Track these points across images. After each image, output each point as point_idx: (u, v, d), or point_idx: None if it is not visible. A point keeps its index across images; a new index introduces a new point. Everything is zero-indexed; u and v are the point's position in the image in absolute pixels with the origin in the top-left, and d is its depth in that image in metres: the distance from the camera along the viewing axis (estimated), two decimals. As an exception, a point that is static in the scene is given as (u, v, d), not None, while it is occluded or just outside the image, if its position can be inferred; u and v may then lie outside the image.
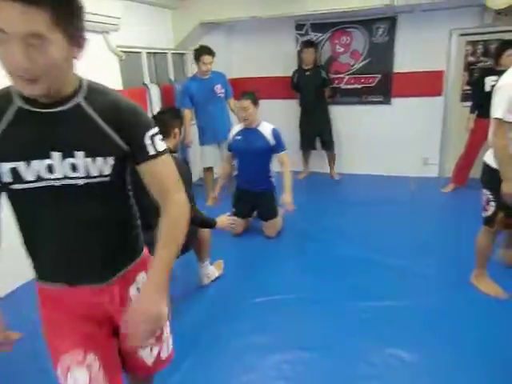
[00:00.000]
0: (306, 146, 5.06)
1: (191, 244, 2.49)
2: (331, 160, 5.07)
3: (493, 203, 2.31)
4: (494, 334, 2.14)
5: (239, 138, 3.43)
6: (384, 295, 2.52)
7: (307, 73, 4.79)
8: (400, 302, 2.44)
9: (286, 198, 3.27)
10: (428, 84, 4.72)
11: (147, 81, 4.20)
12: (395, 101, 4.92)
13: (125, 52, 3.77)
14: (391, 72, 4.84)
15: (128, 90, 3.79)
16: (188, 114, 4.10)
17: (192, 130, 4.26)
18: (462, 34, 4.55)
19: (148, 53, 4.25)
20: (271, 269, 2.94)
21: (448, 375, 1.87)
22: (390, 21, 4.69)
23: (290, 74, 4.96)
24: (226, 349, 2.11)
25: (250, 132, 3.38)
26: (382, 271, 2.80)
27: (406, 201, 4.19)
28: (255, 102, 3.34)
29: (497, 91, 2.14)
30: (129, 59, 3.90)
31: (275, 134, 3.35)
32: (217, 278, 2.77)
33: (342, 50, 4.96)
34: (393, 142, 4.97)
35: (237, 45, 5.31)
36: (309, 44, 4.76)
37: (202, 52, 3.95)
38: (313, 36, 5.02)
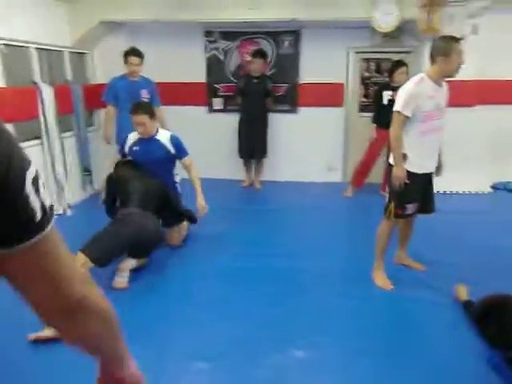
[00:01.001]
0: (247, 154, 5.05)
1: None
2: (259, 169, 5.18)
3: (388, 196, 2.66)
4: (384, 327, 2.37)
5: (137, 148, 3.26)
6: (283, 298, 2.61)
7: (255, 80, 4.84)
8: (297, 304, 2.53)
9: (200, 202, 3.25)
10: (330, 95, 5.12)
11: (38, 79, 3.81)
12: (302, 110, 5.22)
13: (6, 45, 3.40)
14: (297, 82, 5.14)
15: (13, 89, 3.41)
16: (110, 110, 4.27)
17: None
18: (357, 52, 5.04)
19: (39, 49, 3.87)
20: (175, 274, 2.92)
21: (342, 371, 1.97)
22: (294, 34, 5.00)
23: (198, 80, 4.97)
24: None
25: (148, 142, 3.23)
26: (285, 274, 2.91)
27: (311, 206, 4.45)
28: (151, 115, 3.18)
29: (400, 91, 2.53)
30: (14, 54, 3.51)
31: (174, 141, 3.27)
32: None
33: (250, 58, 5.11)
34: (300, 149, 5.26)
35: (142, 48, 5.11)
36: (258, 54, 4.83)
37: (129, 52, 4.13)
38: (222, 44, 5.10)
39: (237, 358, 2.04)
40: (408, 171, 2.56)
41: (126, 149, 3.32)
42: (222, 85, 5.22)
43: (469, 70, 4.73)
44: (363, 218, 3.96)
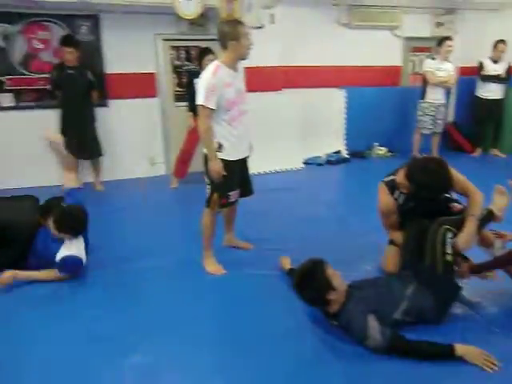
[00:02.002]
0: (74, 154, 4.39)
1: None
2: (96, 169, 4.69)
3: (208, 186, 2.65)
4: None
5: None
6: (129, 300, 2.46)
7: (70, 71, 4.27)
8: (131, 306, 2.40)
9: None
10: (142, 86, 4.89)
11: None
12: (113, 103, 4.85)
13: None
14: (103, 73, 4.73)
15: None
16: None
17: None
18: (166, 39, 4.93)
19: None
20: None
21: (185, 370, 1.91)
22: (92, 19, 4.56)
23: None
24: None
25: None
26: (127, 274, 2.74)
27: (139, 202, 4.21)
28: None
29: (200, 83, 2.49)
30: None
31: None
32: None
33: (41, 46, 4.48)
34: (118, 145, 4.90)
35: None
36: (68, 42, 4.24)
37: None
38: None
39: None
40: (226, 160, 2.56)
41: None
42: (9, 77, 4.44)
43: (274, 57, 5.22)
44: (193, 208, 3.93)
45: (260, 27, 4.91)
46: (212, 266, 2.78)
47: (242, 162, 2.75)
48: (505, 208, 2.37)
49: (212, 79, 2.43)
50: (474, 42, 5.92)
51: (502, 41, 5.54)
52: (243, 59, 2.57)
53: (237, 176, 2.68)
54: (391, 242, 2.64)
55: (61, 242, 2.65)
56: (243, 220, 3.18)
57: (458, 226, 2.18)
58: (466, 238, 2.15)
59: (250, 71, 5.05)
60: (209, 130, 2.51)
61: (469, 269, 2.24)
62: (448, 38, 5.24)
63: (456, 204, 2.46)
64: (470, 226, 2.17)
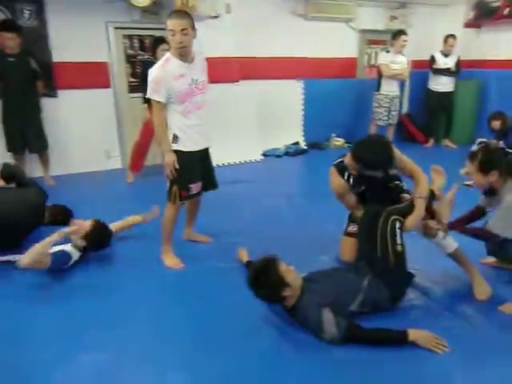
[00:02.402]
0: (18, 147, 4.26)
1: None
2: (45, 162, 4.46)
3: (169, 180, 2.59)
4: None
5: None
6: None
7: (11, 59, 4.00)
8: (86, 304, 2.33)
9: None
10: (95, 76, 4.70)
11: None
12: (63, 93, 4.62)
13: None
14: (50, 61, 4.48)
15: None
16: None
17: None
18: (118, 28, 4.74)
19: None
20: None
21: (146, 366, 1.88)
22: (36, 3, 4.30)
23: None
24: None
25: None
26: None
27: (92, 197, 4.06)
28: None
29: (149, 76, 2.41)
30: None
31: None
32: None
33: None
34: (71, 137, 4.70)
35: None
36: (8, 27, 3.96)
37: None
38: None
39: None
40: (183, 152, 2.51)
41: None
42: None
43: (230, 48, 5.17)
44: (149, 202, 3.83)
45: (216, 16, 4.84)
46: (171, 260, 2.74)
47: (203, 154, 2.70)
48: (443, 186, 2.51)
49: (159, 72, 2.38)
50: (426, 36, 6.13)
51: (452, 35, 5.77)
52: (179, 54, 2.40)
53: (197, 168, 2.62)
54: (347, 234, 2.69)
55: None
56: (202, 213, 3.14)
57: (407, 213, 2.24)
58: (414, 219, 2.22)
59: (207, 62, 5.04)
60: (161, 124, 2.45)
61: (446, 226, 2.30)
62: (403, 33, 5.39)
63: (407, 195, 2.53)
64: (420, 208, 2.23)
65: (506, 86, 5.81)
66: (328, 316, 1.91)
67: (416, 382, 1.78)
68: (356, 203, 2.56)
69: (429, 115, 6.21)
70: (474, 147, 2.63)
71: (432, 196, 2.40)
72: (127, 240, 3.11)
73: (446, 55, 5.86)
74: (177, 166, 2.51)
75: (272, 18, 5.45)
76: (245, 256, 2.66)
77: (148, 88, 2.41)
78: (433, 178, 2.56)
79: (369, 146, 2.30)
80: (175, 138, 2.50)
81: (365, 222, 2.33)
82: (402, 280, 2.21)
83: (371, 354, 1.88)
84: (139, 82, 4.65)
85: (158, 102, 2.40)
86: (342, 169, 2.50)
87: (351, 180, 2.48)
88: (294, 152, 5.64)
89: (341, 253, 2.73)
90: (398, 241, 2.16)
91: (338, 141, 6.10)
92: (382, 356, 1.87)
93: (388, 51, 5.50)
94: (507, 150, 4.40)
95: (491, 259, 2.60)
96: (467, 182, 4.30)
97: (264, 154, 5.58)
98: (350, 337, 1.90)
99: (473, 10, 6.21)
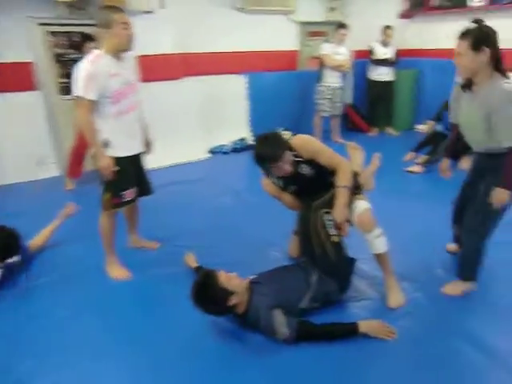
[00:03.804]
0: None
1: None
2: None
3: (102, 186, 2.49)
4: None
5: None
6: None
7: None
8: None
9: None
10: (19, 77, 4.40)
11: None
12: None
13: None
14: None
15: None
16: None
17: None
18: (42, 24, 4.46)
19: None
20: None
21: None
22: None
23: None
24: None
25: None
26: None
27: (28, 209, 3.82)
28: None
29: (76, 72, 2.30)
30: None
31: None
32: None
33: None
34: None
35: None
36: None
37: None
38: None
39: None
40: (116, 157, 2.41)
41: None
42: None
43: (169, 44, 5.04)
44: (91, 210, 3.67)
45: (150, 12, 4.70)
46: (116, 271, 2.65)
47: (136, 159, 2.61)
48: (362, 161, 2.58)
49: (91, 67, 2.25)
50: (364, 26, 6.31)
51: (389, 26, 6.00)
52: (124, 50, 2.38)
53: (130, 174, 2.53)
54: (295, 232, 2.71)
55: None
56: (147, 218, 3.06)
57: (333, 203, 2.23)
58: (338, 209, 2.20)
59: (143, 60, 4.88)
60: (90, 124, 2.32)
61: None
62: (341, 26, 5.52)
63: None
64: (341, 198, 2.22)
65: (439, 74, 6.14)
66: (279, 317, 1.92)
67: (372, 375, 1.84)
68: (295, 202, 2.53)
69: (370, 105, 6.43)
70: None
71: (355, 176, 2.38)
72: (71, 253, 2.98)
73: (384, 45, 6.07)
74: (115, 169, 2.41)
75: (210, 13, 5.37)
76: (193, 261, 2.62)
77: (78, 85, 2.26)
78: (350, 156, 2.58)
79: (258, 143, 2.25)
80: (107, 144, 2.38)
81: (299, 221, 2.37)
82: (346, 269, 2.26)
83: (324, 350, 1.92)
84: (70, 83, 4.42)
85: (89, 100, 2.26)
86: (267, 171, 2.43)
87: (279, 182, 2.43)
88: (241, 148, 5.63)
89: (290, 249, 2.76)
90: (332, 232, 2.19)
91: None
92: (336, 350, 1.92)
93: (330, 42, 5.62)
94: (444, 132, 4.69)
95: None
96: (409, 169, 4.53)
97: (211, 152, 5.52)
98: (302, 335, 1.92)
99: (406, 1, 6.49)
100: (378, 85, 6.19)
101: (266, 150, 2.17)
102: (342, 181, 2.24)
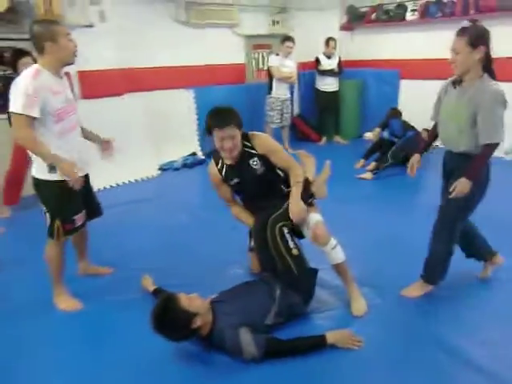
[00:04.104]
0: None
1: None
2: None
3: (48, 214, 2.32)
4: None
5: None
6: None
7: None
8: None
9: None
10: None
11: None
12: None
13: None
14: None
15: None
16: None
17: None
18: (-32, 39, 4.17)
19: None
20: None
21: None
22: None
23: None
24: None
25: None
26: None
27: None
28: None
29: (14, 88, 2.12)
30: None
31: None
32: None
33: None
34: None
35: None
36: None
37: None
38: None
39: None
40: (61, 182, 2.21)
41: None
42: None
43: (110, 59, 4.87)
44: (33, 237, 3.42)
45: (89, 26, 4.53)
46: (65, 303, 2.46)
47: (83, 180, 2.45)
48: (314, 169, 2.64)
49: (33, 83, 2.08)
50: (309, 38, 6.48)
51: (332, 38, 6.20)
52: (68, 64, 2.27)
53: (79, 197, 2.38)
54: (251, 249, 2.65)
55: None
56: (97, 241, 2.89)
57: (288, 215, 2.21)
58: (295, 207, 2.20)
59: (83, 76, 4.69)
60: (35, 139, 2.11)
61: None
62: (287, 39, 5.64)
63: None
64: (294, 193, 2.23)
65: (381, 83, 6.43)
66: (245, 336, 1.86)
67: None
68: (231, 198, 2.50)
69: (319, 114, 6.58)
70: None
71: (306, 181, 2.40)
72: (15, 286, 2.74)
73: (328, 57, 6.26)
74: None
75: (153, 26, 5.27)
76: (150, 284, 2.49)
77: (16, 101, 2.07)
78: (303, 164, 2.60)
79: (213, 110, 2.36)
80: (52, 168, 2.20)
81: (256, 236, 2.33)
82: (309, 280, 2.24)
83: (289, 366, 1.87)
84: (2, 102, 4.13)
85: (30, 117, 2.07)
86: (216, 158, 2.44)
87: (224, 171, 2.39)
88: (191, 163, 5.52)
89: (252, 265, 2.70)
90: (291, 245, 2.18)
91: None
92: (303, 364, 1.87)
93: (277, 54, 5.71)
94: (390, 139, 4.87)
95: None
96: (361, 176, 4.66)
97: (161, 168, 5.37)
98: (270, 352, 1.87)
99: (345, 14, 6.76)
100: (325, 95, 6.36)
101: (220, 114, 2.23)
102: (296, 178, 2.29)
